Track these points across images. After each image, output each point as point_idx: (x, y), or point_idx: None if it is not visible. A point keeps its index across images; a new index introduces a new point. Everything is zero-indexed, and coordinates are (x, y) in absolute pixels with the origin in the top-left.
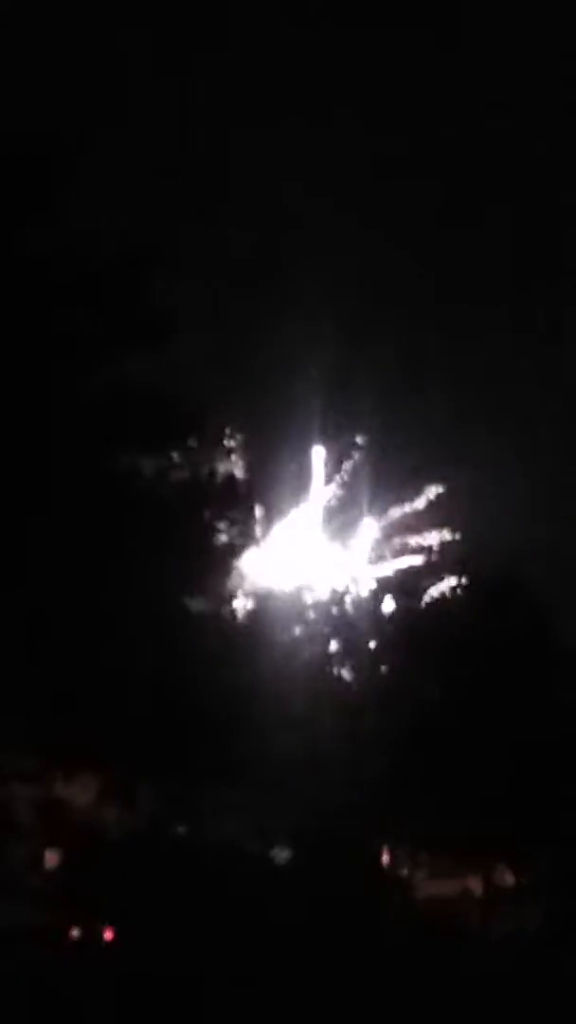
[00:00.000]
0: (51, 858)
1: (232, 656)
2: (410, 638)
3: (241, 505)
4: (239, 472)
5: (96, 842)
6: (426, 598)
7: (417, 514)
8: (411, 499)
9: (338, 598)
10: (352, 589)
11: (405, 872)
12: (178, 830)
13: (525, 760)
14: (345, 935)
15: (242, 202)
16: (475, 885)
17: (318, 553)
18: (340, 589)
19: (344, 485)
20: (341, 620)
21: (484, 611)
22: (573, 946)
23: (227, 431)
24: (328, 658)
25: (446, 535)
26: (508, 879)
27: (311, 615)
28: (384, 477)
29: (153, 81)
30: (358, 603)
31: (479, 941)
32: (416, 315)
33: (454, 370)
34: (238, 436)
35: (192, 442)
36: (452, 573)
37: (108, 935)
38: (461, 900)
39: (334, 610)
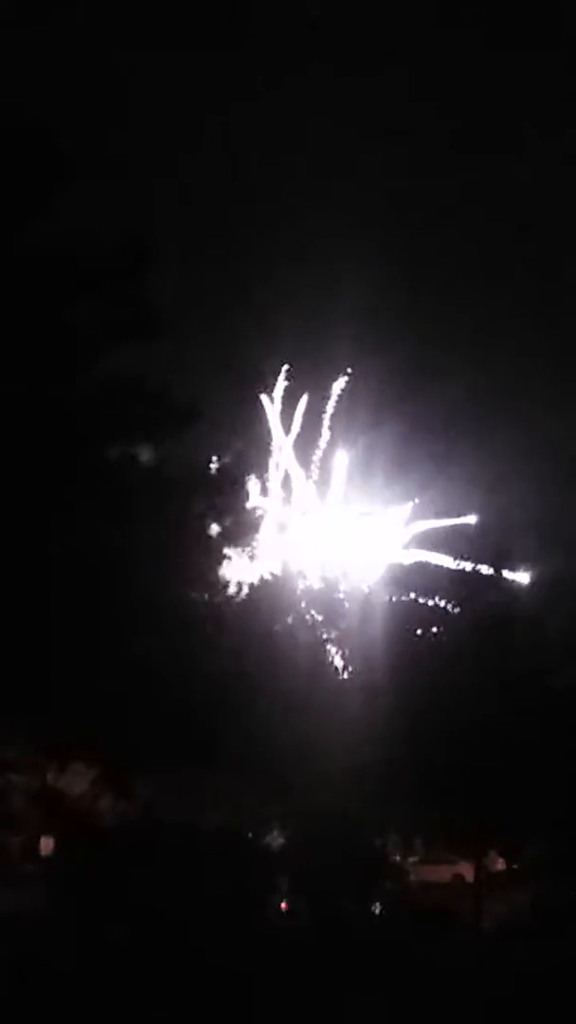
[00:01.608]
0: (46, 846)
1: (227, 644)
2: (401, 627)
3: (236, 494)
4: (234, 461)
5: (91, 830)
6: (416, 586)
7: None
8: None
9: (332, 586)
10: (345, 577)
11: (398, 858)
12: (173, 818)
13: (515, 748)
14: (339, 920)
15: (241, 198)
16: (466, 871)
17: (313, 542)
18: (333, 577)
19: (340, 477)
20: (335, 608)
21: (473, 600)
22: (562, 931)
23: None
24: (322, 646)
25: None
26: (499, 865)
27: (305, 604)
28: (378, 471)
29: (149, 81)
30: (351, 591)
31: (470, 926)
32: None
33: (462, 376)
34: (234, 426)
35: (187, 432)
36: (442, 562)
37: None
38: (452, 886)
39: (327, 598)
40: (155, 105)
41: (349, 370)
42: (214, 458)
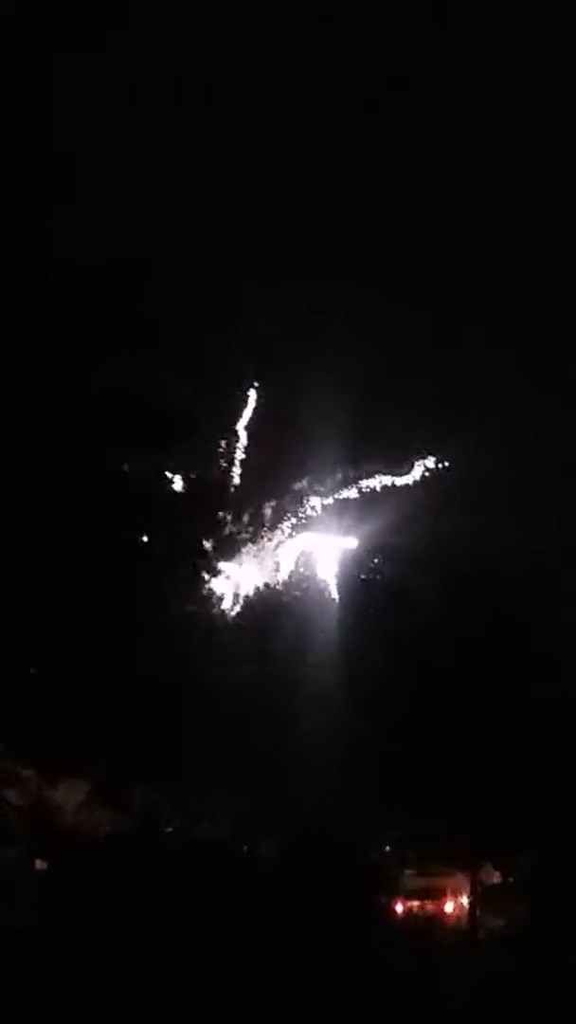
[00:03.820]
0: (41, 861)
1: (221, 657)
2: (396, 640)
3: (231, 507)
4: (229, 474)
5: (86, 844)
6: (407, 599)
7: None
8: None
9: (324, 599)
10: (337, 590)
11: (393, 871)
12: (168, 830)
13: (509, 760)
14: (333, 934)
15: (236, 209)
16: (462, 883)
17: (305, 554)
18: (327, 590)
19: (328, 486)
20: (328, 622)
21: (465, 612)
22: (557, 942)
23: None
24: (316, 659)
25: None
26: (495, 878)
27: (299, 617)
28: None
29: (144, 87)
30: (344, 604)
31: (465, 938)
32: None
33: (436, 365)
34: (228, 439)
35: (183, 446)
36: (430, 572)
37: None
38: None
39: (321, 612)
40: (154, 114)
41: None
42: (207, 470)
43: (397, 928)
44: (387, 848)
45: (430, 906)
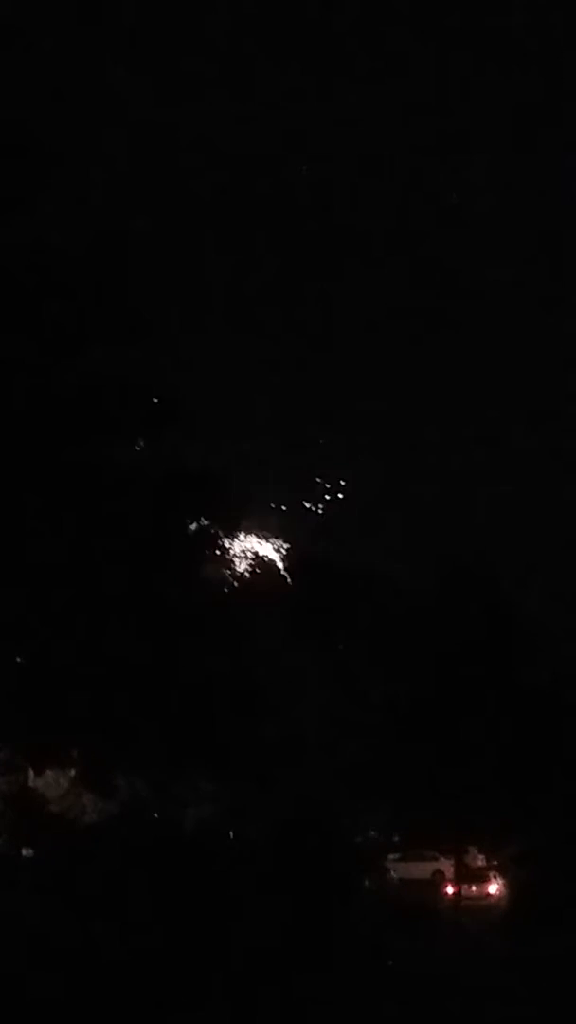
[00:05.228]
0: (27, 848)
1: (210, 643)
2: (384, 629)
3: (218, 492)
4: (215, 459)
5: (74, 830)
6: (397, 587)
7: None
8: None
9: (314, 588)
10: (328, 578)
11: (379, 855)
12: (155, 816)
13: (496, 743)
14: (320, 917)
15: (225, 195)
16: (447, 868)
17: (295, 540)
18: (316, 579)
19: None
20: (318, 609)
21: (453, 600)
22: (542, 924)
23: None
24: (307, 646)
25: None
26: (479, 861)
27: (290, 604)
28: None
29: (136, 77)
30: (334, 592)
31: (450, 921)
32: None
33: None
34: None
35: (170, 431)
36: (420, 561)
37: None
38: (433, 882)
39: (310, 600)
40: (145, 104)
41: None
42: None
43: (384, 909)
44: (372, 832)
45: (414, 889)
